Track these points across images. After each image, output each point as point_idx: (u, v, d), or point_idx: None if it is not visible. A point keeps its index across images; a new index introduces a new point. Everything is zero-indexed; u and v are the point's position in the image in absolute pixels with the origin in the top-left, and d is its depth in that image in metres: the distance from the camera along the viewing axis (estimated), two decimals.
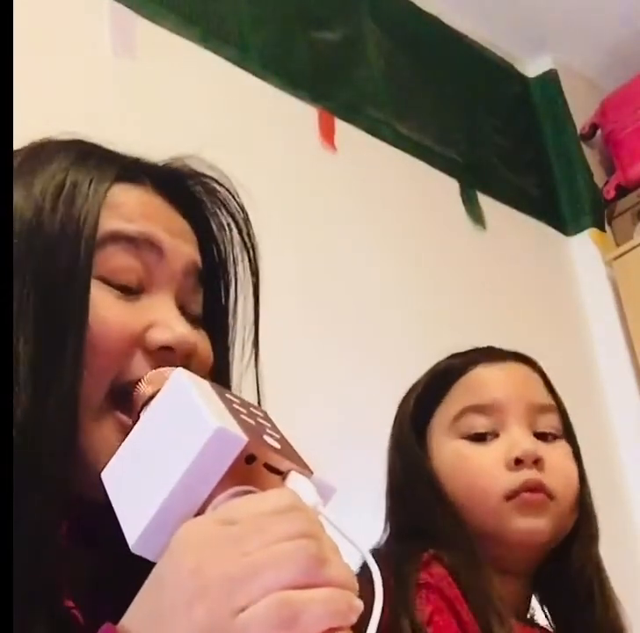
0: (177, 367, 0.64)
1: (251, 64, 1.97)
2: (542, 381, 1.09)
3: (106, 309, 0.66)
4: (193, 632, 0.49)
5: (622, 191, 2.65)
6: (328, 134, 2.06)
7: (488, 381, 1.06)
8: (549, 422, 1.05)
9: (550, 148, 2.72)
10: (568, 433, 1.07)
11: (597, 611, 1.01)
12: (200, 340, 0.70)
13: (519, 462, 1.00)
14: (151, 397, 0.62)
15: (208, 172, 0.78)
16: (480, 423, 1.04)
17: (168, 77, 1.79)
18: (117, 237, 0.68)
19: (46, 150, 0.73)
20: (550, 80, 2.77)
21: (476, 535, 0.99)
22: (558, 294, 2.49)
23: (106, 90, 1.66)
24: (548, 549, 1.01)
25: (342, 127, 2.10)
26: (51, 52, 1.60)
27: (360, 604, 0.50)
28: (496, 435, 1.03)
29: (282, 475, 0.56)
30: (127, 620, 0.52)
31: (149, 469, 0.55)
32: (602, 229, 2.63)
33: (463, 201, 2.35)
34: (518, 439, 1.01)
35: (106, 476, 0.58)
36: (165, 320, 0.67)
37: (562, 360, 2.31)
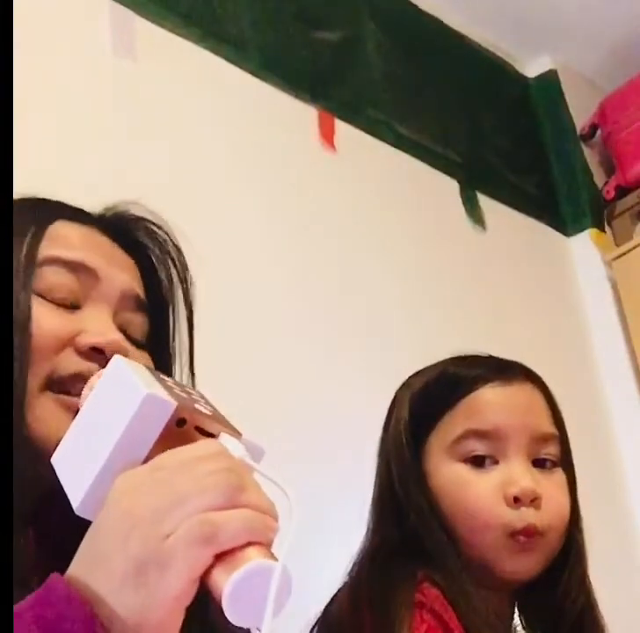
0: None
1: (251, 64, 1.97)
2: (547, 405, 1.08)
3: (40, 315, 0.74)
4: (128, 564, 0.54)
5: (622, 191, 2.65)
6: (328, 135, 2.06)
7: (493, 405, 1.05)
8: (549, 450, 1.06)
9: (550, 148, 2.72)
10: (566, 460, 1.08)
11: None
12: (139, 356, 0.78)
13: (517, 500, 1.00)
14: None
15: (148, 217, 0.88)
16: (480, 447, 1.03)
17: (168, 77, 1.79)
18: (54, 261, 0.77)
19: None
20: (550, 80, 2.77)
21: (466, 559, 1.00)
22: (558, 294, 2.49)
23: (106, 89, 1.66)
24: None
25: (342, 127, 2.10)
26: (51, 52, 1.60)
27: (276, 525, 0.56)
28: (495, 461, 1.03)
29: (213, 437, 0.61)
30: (71, 568, 0.57)
31: (90, 444, 0.60)
32: (602, 229, 2.63)
33: (463, 201, 2.34)
34: (517, 473, 1.02)
35: (56, 460, 0.63)
36: (98, 328, 0.76)
37: (561, 360, 2.31)
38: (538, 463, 1.04)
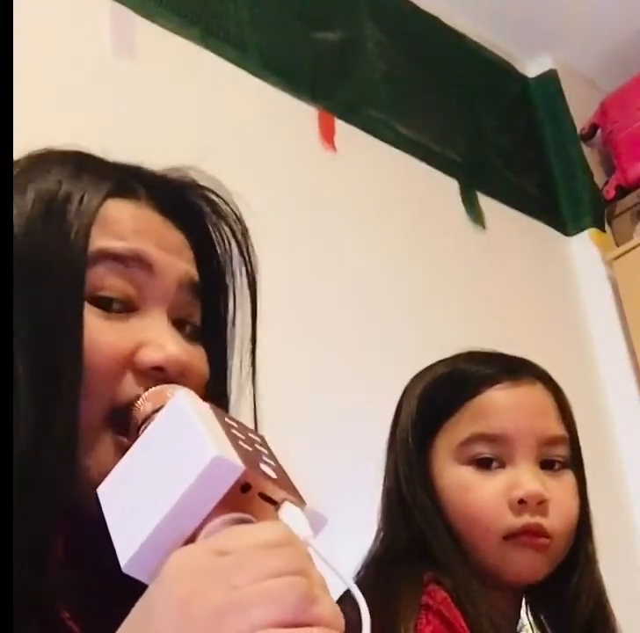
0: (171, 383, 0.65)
1: (251, 64, 1.97)
2: (556, 405, 1.06)
3: (95, 331, 0.65)
4: None
5: (622, 191, 2.65)
6: (328, 134, 2.06)
7: (500, 409, 1.03)
8: (558, 452, 1.03)
9: (550, 148, 2.72)
10: (575, 462, 1.05)
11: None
12: (194, 356, 0.70)
13: (522, 502, 0.98)
14: (150, 415, 0.63)
15: (207, 184, 0.78)
16: (487, 450, 1.01)
17: (168, 77, 1.79)
18: (106, 256, 0.68)
19: (43, 161, 0.73)
20: (550, 80, 2.77)
21: (471, 561, 0.99)
22: (558, 294, 2.49)
23: (106, 89, 1.66)
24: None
25: (342, 127, 2.10)
26: (51, 52, 1.60)
27: None
28: (502, 465, 1.01)
29: (276, 505, 0.56)
30: None
31: (144, 491, 0.56)
32: (602, 229, 2.63)
33: (463, 201, 2.35)
34: (523, 476, 1.00)
35: (102, 492, 0.58)
36: (156, 339, 0.67)
37: (561, 360, 2.30)
38: (546, 465, 1.02)
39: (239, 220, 0.78)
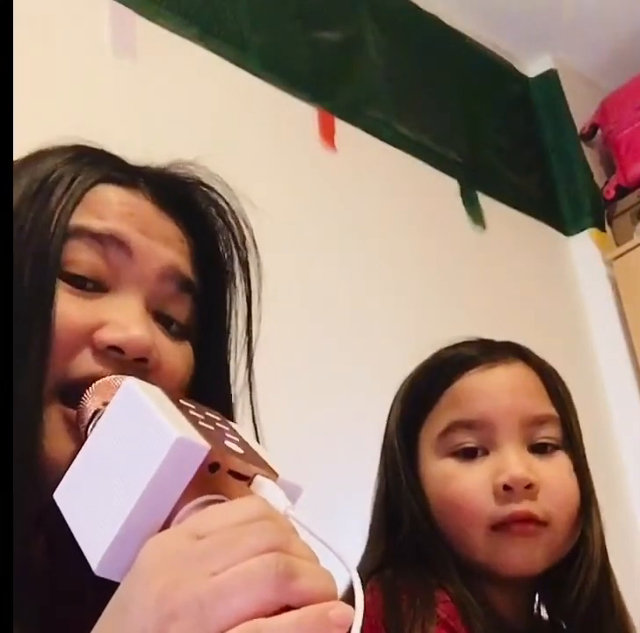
0: (126, 373, 0.62)
1: (251, 64, 1.97)
2: (543, 383, 0.99)
3: (58, 305, 0.64)
4: None
5: (622, 191, 2.65)
6: (328, 134, 2.06)
7: (476, 392, 0.97)
8: (547, 433, 0.96)
9: (550, 148, 2.72)
10: (570, 442, 0.97)
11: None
12: (172, 354, 0.68)
13: (507, 489, 0.91)
14: (98, 410, 0.60)
15: (209, 182, 0.76)
16: (468, 438, 0.95)
17: (168, 77, 1.79)
18: (81, 232, 0.66)
19: (42, 153, 0.73)
20: (550, 80, 2.77)
21: (468, 563, 0.94)
22: (558, 294, 2.49)
23: (106, 89, 1.66)
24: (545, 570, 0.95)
25: (342, 127, 2.10)
26: (51, 52, 1.60)
27: (341, 612, 0.47)
28: (486, 452, 0.95)
29: (248, 480, 0.54)
30: None
31: (106, 486, 0.52)
32: (602, 228, 2.63)
33: (463, 201, 2.35)
34: (508, 461, 0.93)
35: (60, 495, 0.55)
36: (121, 320, 0.65)
37: (562, 361, 2.30)
38: (538, 449, 0.96)
39: (236, 216, 0.77)
